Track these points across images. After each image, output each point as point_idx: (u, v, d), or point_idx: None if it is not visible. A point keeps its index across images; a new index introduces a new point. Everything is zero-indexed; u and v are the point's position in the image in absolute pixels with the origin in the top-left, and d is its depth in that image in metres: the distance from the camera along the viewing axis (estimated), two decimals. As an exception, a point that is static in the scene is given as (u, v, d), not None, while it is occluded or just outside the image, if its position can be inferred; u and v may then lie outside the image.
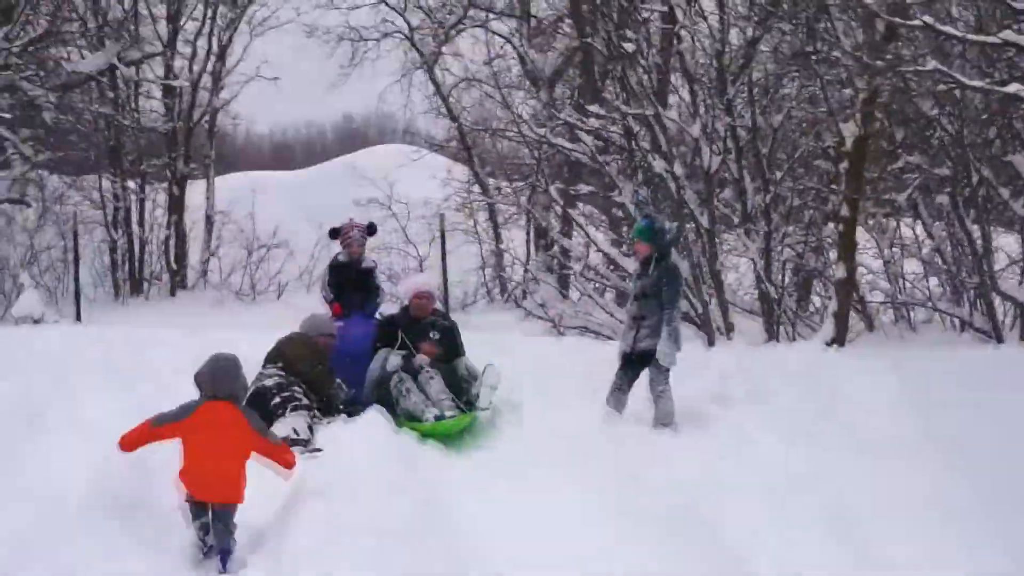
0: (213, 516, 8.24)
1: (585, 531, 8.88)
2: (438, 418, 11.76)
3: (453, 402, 12.16)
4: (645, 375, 12.07)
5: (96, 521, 7.90)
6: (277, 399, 11.01)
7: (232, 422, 8.42)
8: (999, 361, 15.29)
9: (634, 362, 12.15)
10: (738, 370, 13.40)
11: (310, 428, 10.88)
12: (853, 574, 8.46)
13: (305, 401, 11.29)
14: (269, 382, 11.28)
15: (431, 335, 12.85)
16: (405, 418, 11.92)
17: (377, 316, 13.93)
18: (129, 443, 8.33)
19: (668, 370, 11.84)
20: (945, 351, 16.58)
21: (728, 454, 10.43)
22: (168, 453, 8.54)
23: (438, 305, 14.15)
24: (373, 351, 12.84)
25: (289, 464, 8.74)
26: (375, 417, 10.76)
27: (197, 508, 8.28)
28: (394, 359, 12.54)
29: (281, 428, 10.54)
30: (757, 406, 11.80)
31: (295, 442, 10.39)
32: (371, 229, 14.48)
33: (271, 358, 11.80)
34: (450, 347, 13.06)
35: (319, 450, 10.25)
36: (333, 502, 8.44)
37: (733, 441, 10.79)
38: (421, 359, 12.53)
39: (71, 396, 10.38)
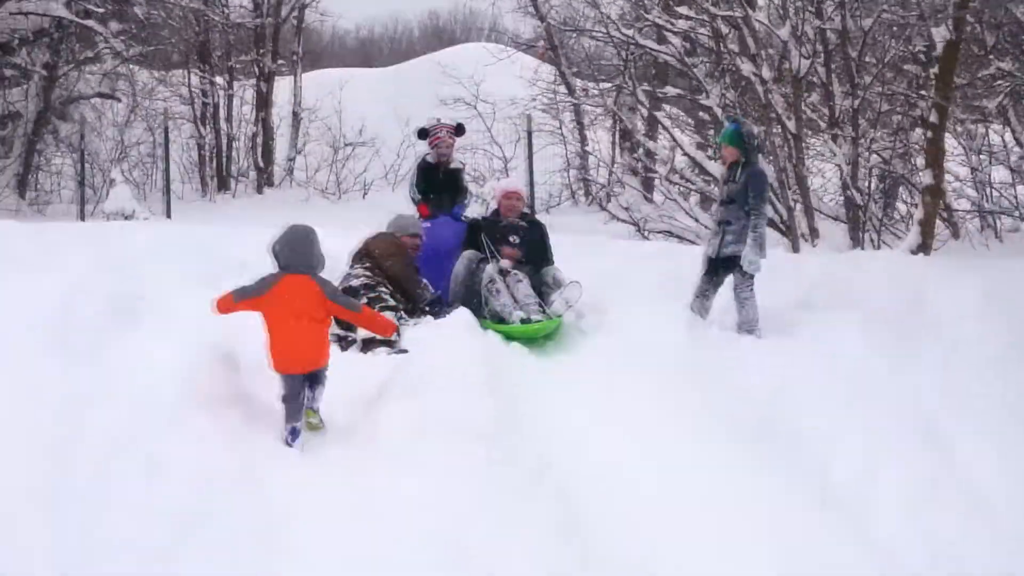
0: (308, 383, 8.68)
1: (665, 432, 8.99)
2: (524, 321, 11.74)
3: (539, 306, 12.10)
4: (729, 280, 12.09)
5: (188, 416, 8.05)
6: (364, 299, 11.07)
7: (310, 294, 8.67)
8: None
9: (719, 267, 12.15)
10: (822, 276, 13.34)
11: (396, 328, 11.01)
12: (935, 483, 8.50)
13: (392, 301, 11.40)
14: (356, 282, 11.38)
15: (511, 239, 12.85)
16: (491, 319, 11.98)
17: (464, 217, 13.96)
18: (222, 309, 8.70)
19: (752, 276, 11.84)
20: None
21: (811, 360, 10.44)
22: (259, 349, 8.72)
23: (527, 209, 14.10)
24: (460, 252, 12.84)
25: (386, 329, 9.38)
26: (461, 318, 10.86)
27: (290, 381, 8.61)
28: (487, 267, 12.45)
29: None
30: (841, 312, 11.75)
31: (381, 343, 10.52)
32: (459, 130, 14.47)
33: (358, 257, 11.89)
34: (536, 251, 13.06)
35: (405, 351, 10.38)
36: (418, 402, 8.58)
37: (816, 347, 10.79)
38: (504, 263, 12.51)
39: (163, 293, 10.51)
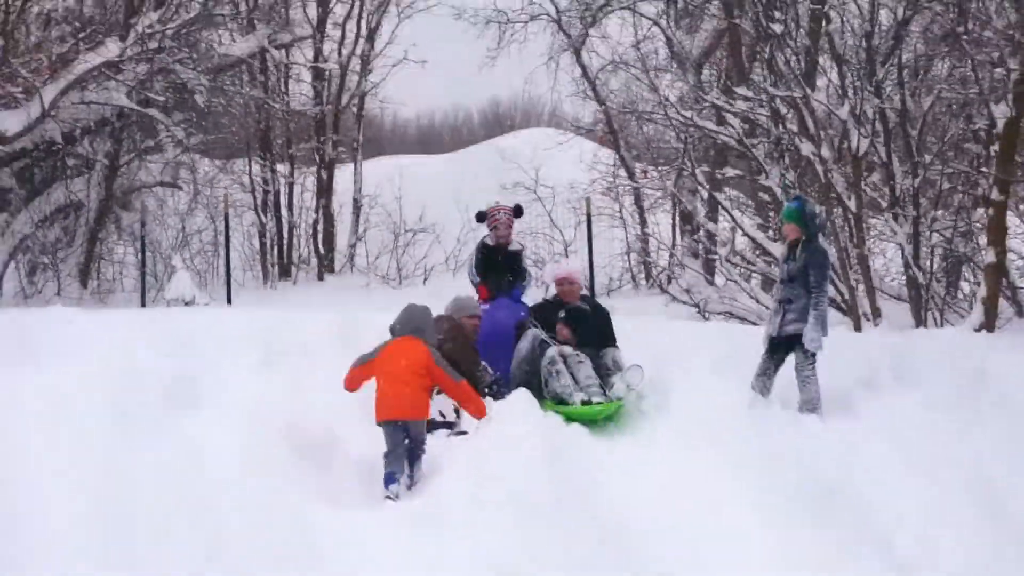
0: (408, 454, 9.50)
1: (728, 510, 8.93)
2: (585, 403, 11.45)
3: (600, 388, 11.75)
4: (791, 360, 12.02)
5: (247, 491, 8.09)
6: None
7: (417, 352, 9.83)
8: None
9: (780, 346, 12.09)
10: (885, 355, 13.25)
11: (456, 411, 10.96)
12: (995, 549, 8.40)
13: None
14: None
15: (559, 314, 12.58)
16: (552, 400, 11.67)
17: (523, 300, 13.94)
18: (349, 384, 9.97)
19: (814, 355, 11.76)
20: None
21: (874, 437, 10.37)
22: (320, 432, 8.78)
23: (585, 291, 13.92)
24: (517, 336, 12.61)
25: (479, 410, 10.05)
26: (521, 398, 10.80)
27: (390, 430, 9.46)
28: (549, 348, 12.17)
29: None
30: (904, 391, 11.68)
31: (442, 424, 10.50)
32: (518, 211, 14.49)
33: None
34: (598, 334, 12.74)
35: (465, 432, 10.35)
36: (478, 478, 8.56)
37: (879, 425, 10.71)
38: (566, 348, 12.16)
39: (223, 375, 10.57)
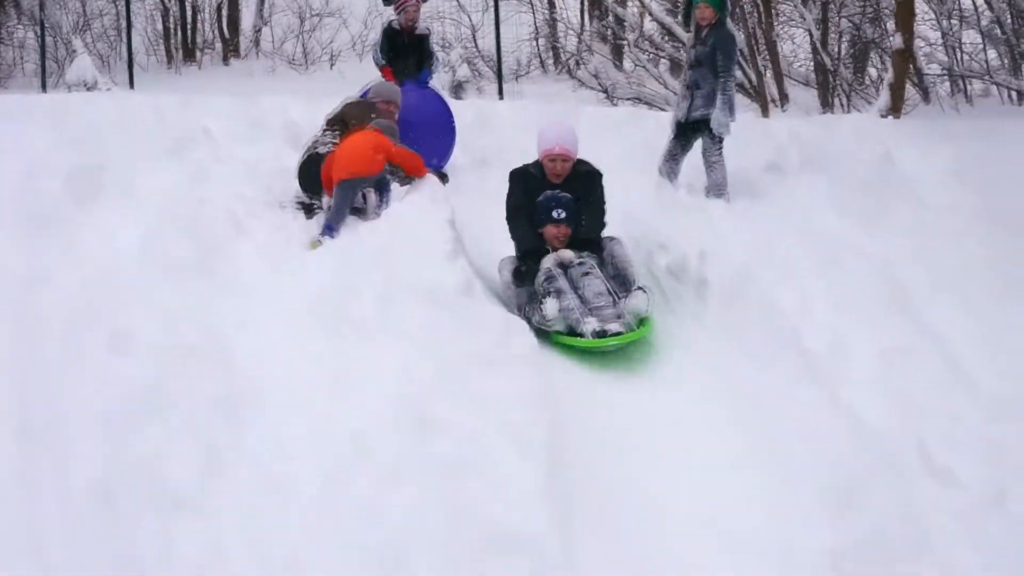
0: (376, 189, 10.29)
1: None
2: (599, 334, 8.88)
3: (614, 302, 9.22)
4: (699, 144, 12.02)
5: (152, 284, 8.03)
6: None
7: (375, 137, 10.36)
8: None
9: (688, 131, 12.07)
10: (792, 140, 13.27)
11: (364, 196, 10.87)
12: (907, 349, 8.49)
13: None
14: (323, 149, 11.15)
15: (554, 214, 9.65)
16: (554, 330, 9.17)
17: (431, 85, 13.80)
18: (328, 186, 10.25)
19: (722, 139, 11.77)
20: (1002, 123, 16.39)
21: (781, 223, 10.43)
22: (225, 222, 8.71)
23: (578, 156, 10.09)
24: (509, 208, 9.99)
25: (419, 170, 10.49)
26: (427, 186, 10.61)
27: (344, 194, 10.01)
28: (544, 260, 9.54)
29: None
30: (811, 175, 11.73)
31: (355, 210, 10.41)
32: (426, -6, 14.31)
33: (332, 122, 11.66)
34: (592, 222, 9.88)
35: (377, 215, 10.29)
36: (386, 270, 8.55)
37: (786, 210, 10.77)
38: (566, 254, 9.54)
39: (127, 164, 10.41)
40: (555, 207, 9.67)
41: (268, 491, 6.38)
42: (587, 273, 9.34)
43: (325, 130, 11.21)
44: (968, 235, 10.16)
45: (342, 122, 11.21)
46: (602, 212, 9.87)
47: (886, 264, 9.63)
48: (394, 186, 10.42)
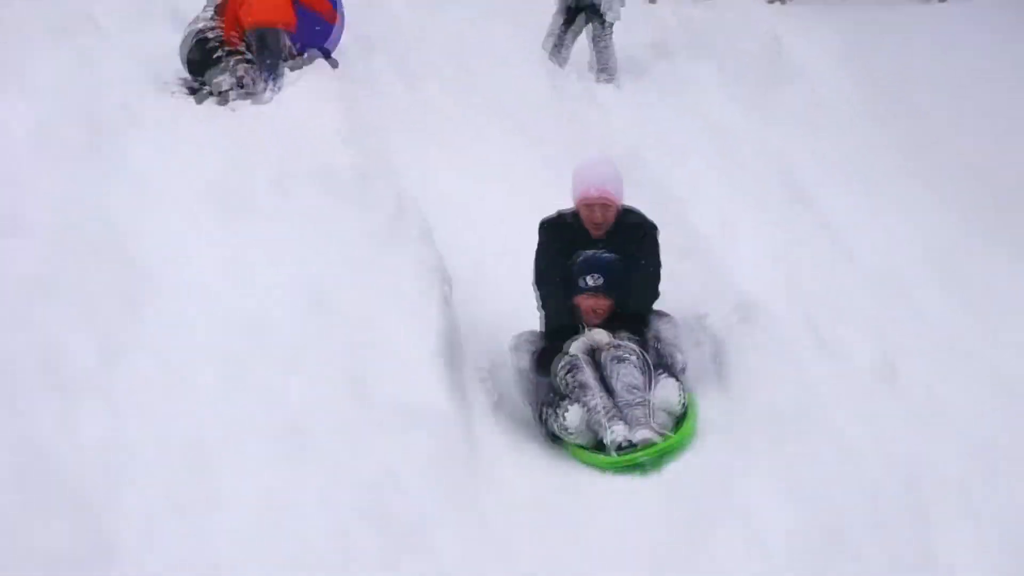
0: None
1: (529, 183, 9.07)
2: (621, 449, 6.61)
3: (643, 399, 6.86)
4: (587, 29, 12.03)
5: (42, 171, 7.95)
6: (221, 51, 10.72)
7: None
8: (939, 16, 15.33)
9: (576, 15, 12.08)
10: (680, 23, 13.34)
11: (253, 81, 10.71)
12: (797, 234, 8.65)
13: (249, 55, 11.01)
14: (211, 35, 10.93)
15: (588, 281, 7.35)
16: (571, 439, 6.94)
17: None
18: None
19: (612, 24, 11.81)
20: (888, 11, 16.52)
21: (671, 108, 10.52)
22: (115, 108, 8.63)
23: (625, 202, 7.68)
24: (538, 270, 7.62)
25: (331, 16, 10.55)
26: (318, 69, 10.52)
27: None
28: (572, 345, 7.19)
29: (227, 80, 10.40)
30: (699, 61, 11.82)
31: (244, 95, 10.27)
32: None
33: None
34: (635, 288, 7.47)
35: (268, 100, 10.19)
36: (282, 151, 8.54)
37: (676, 95, 10.86)
38: (599, 335, 7.23)
39: (11, 51, 10.22)
40: (589, 271, 7.38)
41: (167, 375, 6.34)
42: (621, 359, 7.00)
43: (206, 6, 10.92)
44: (853, 122, 10.36)
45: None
46: (655, 279, 7.51)
47: (774, 149, 9.79)
48: (285, 70, 10.31)
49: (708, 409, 6.94)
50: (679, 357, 7.21)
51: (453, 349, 7.00)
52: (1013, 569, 5.40)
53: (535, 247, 7.58)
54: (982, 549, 5.47)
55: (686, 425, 6.81)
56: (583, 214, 7.48)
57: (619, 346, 7.05)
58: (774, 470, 6.11)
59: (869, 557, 5.39)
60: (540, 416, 7.11)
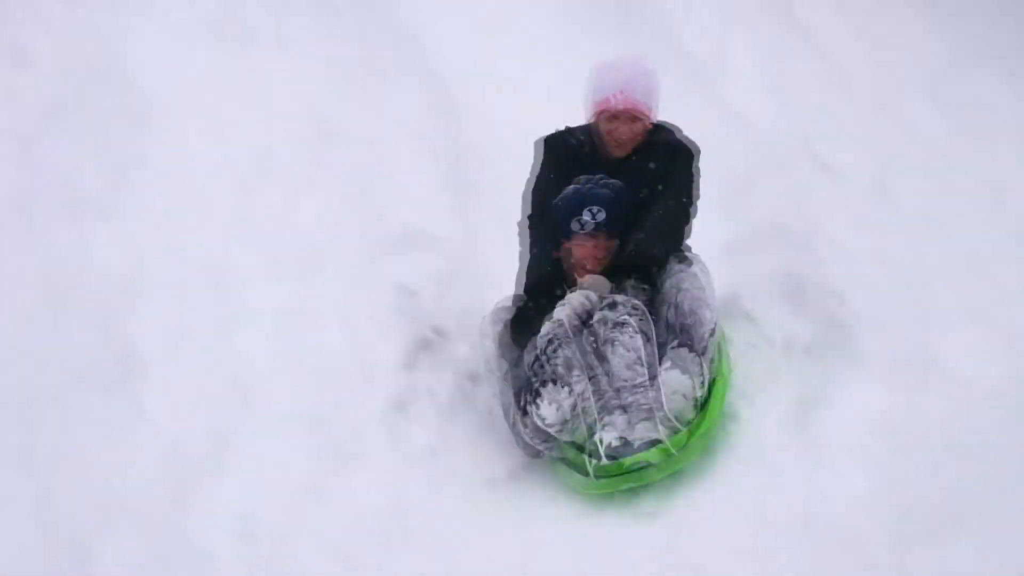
0: None
1: (526, 18, 8.99)
2: (613, 456, 4.72)
3: (644, 385, 4.89)
4: None
5: (48, 2, 7.92)
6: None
7: None
8: None
9: None
10: None
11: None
12: (789, 54, 8.60)
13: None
14: None
15: (585, 217, 5.32)
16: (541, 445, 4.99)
17: None
18: None
19: None
20: None
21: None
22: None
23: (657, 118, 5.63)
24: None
25: None
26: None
27: None
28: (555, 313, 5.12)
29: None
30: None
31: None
32: None
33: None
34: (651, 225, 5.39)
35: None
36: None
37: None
38: (593, 285, 5.26)
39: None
40: (588, 203, 5.37)
41: (180, 200, 6.41)
42: (619, 322, 4.99)
43: None
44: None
45: None
46: (682, 215, 5.49)
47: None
48: None
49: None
50: (707, 316, 5.11)
51: (458, 176, 7.06)
52: (1010, 368, 5.43)
53: (531, 170, 5.72)
54: (983, 351, 5.48)
55: (707, 416, 4.94)
56: (602, 128, 5.50)
57: (615, 304, 5.06)
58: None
59: (871, 355, 5.41)
60: (509, 418, 5.13)
